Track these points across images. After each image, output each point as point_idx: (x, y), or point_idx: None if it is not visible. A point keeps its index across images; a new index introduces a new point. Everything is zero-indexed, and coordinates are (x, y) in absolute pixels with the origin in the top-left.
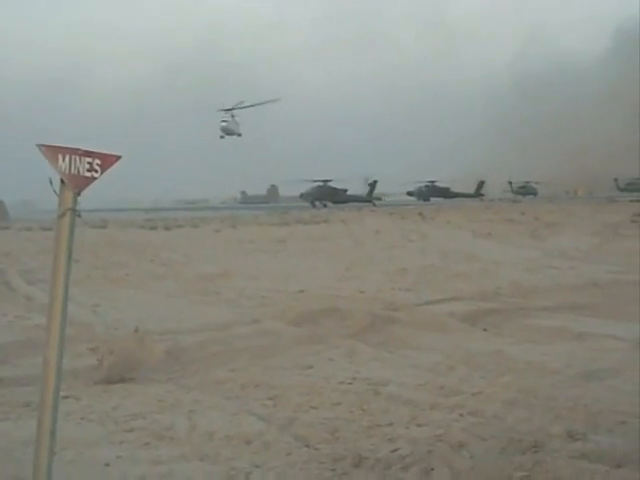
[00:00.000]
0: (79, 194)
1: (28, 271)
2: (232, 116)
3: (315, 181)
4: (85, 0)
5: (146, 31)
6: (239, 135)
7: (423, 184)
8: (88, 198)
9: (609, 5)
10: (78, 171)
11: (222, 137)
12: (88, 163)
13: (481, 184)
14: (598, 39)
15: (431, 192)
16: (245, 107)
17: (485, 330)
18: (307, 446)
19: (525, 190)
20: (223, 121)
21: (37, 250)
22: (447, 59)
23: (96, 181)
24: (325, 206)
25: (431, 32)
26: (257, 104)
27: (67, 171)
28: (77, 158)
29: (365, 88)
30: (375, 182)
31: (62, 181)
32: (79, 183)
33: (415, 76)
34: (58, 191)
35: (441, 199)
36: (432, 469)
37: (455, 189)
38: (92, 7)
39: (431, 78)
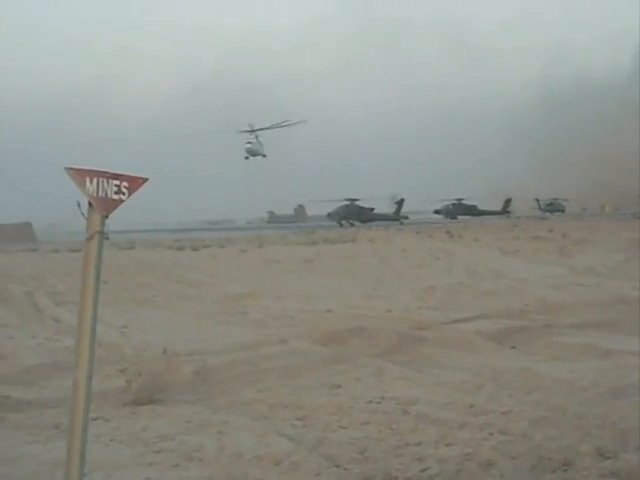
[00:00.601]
0: (107, 217)
1: (56, 293)
2: (256, 137)
3: (342, 200)
4: (107, 25)
5: (168, 55)
6: (264, 156)
7: (450, 202)
8: (115, 220)
9: (633, 20)
10: (106, 194)
11: (247, 158)
12: (116, 186)
13: (508, 201)
14: (622, 54)
15: (458, 210)
16: (270, 128)
17: (513, 348)
18: (336, 466)
19: (552, 207)
20: (248, 142)
21: (65, 272)
22: (470, 76)
23: (122, 203)
24: (352, 225)
25: (454, 50)
26: (282, 125)
27: (95, 194)
28: (105, 181)
29: (389, 107)
30: (402, 200)
31: (90, 204)
32: (107, 206)
33: (438, 94)
34: (86, 214)
35: (468, 217)
36: None
37: (482, 207)
38: (114, 32)
39: (455, 96)
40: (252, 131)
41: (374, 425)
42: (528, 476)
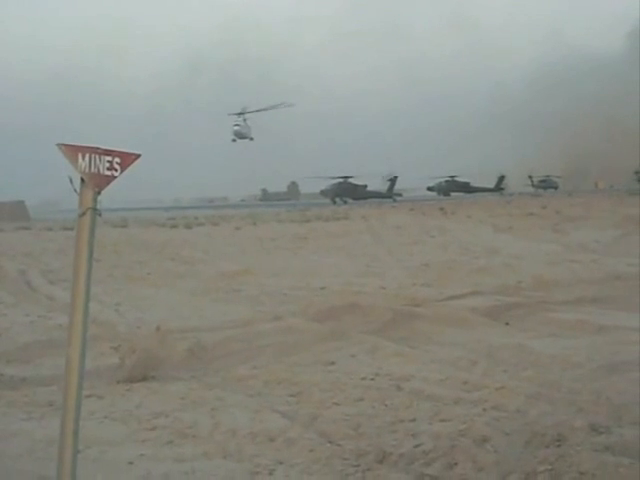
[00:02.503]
0: (99, 193)
1: (50, 271)
2: (244, 120)
3: (335, 178)
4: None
5: (164, 28)
6: (251, 139)
7: (443, 179)
8: (109, 197)
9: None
10: (98, 170)
11: (234, 140)
12: (108, 162)
13: (501, 178)
14: (617, 31)
15: (451, 187)
16: (257, 111)
17: (507, 324)
18: (330, 442)
19: (546, 184)
20: (235, 125)
21: (58, 250)
22: (465, 53)
23: (116, 180)
24: (345, 202)
25: (450, 27)
26: (269, 108)
27: (87, 170)
28: (97, 157)
29: (383, 83)
30: (395, 178)
31: (82, 180)
32: (99, 182)
33: (433, 70)
34: (78, 190)
35: (461, 194)
36: (455, 464)
37: (475, 184)
38: (109, 5)
39: (449, 72)
40: (240, 114)
41: (368, 401)
42: (522, 451)
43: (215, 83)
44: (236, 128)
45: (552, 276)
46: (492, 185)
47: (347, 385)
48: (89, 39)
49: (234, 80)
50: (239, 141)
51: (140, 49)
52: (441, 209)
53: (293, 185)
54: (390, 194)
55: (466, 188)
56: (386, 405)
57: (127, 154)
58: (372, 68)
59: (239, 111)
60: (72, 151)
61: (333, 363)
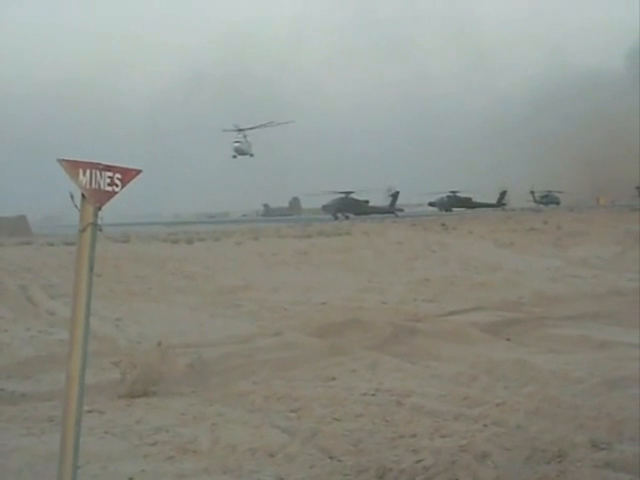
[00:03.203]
0: (100, 208)
1: (50, 286)
2: (244, 136)
3: (337, 193)
4: (103, 12)
5: (165, 44)
6: (251, 155)
7: (445, 194)
8: (109, 213)
9: (631, 13)
10: (99, 185)
11: (234, 157)
12: (109, 177)
13: (503, 194)
14: (619, 48)
15: (453, 202)
16: (257, 127)
17: (508, 340)
18: (331, 458)
19: (547, 199)
20: (236, 142)
21: (59, 265)
22: (466, 69)
23: (117, 196)
24: (347, 218)
25: (451, 44)
26: (269, 125)
27: (88, 185)
28: (98, 172)
29: (385, 98)
30: (397, 193)
31: (83, 196)
32: (100, 197)
33: (434, 86)
34: (79, 206)
35: (463, 209)
36: (456, 479)
37: (477, 199)
38: (111, 19)
39: (451, 88)
40: (240, 130)
41: (368, 417)
42: (523, 467)
43: (216, 99)
44: (236, 145)
45: (553, 291)
46: (494, 201)
47: (347, 401)
48: (89, 55)
49: (235, 96)
50: (239, 157)
51: (140, 65)
52: (442, 224)
53: (295, 200)
54: (392, 209)
55: (468, 203)
56: (387, 421)
57: (128, 170)
58: (373, 85)
59: (238, 127)
60: (73, 167)
61: (334, 378)
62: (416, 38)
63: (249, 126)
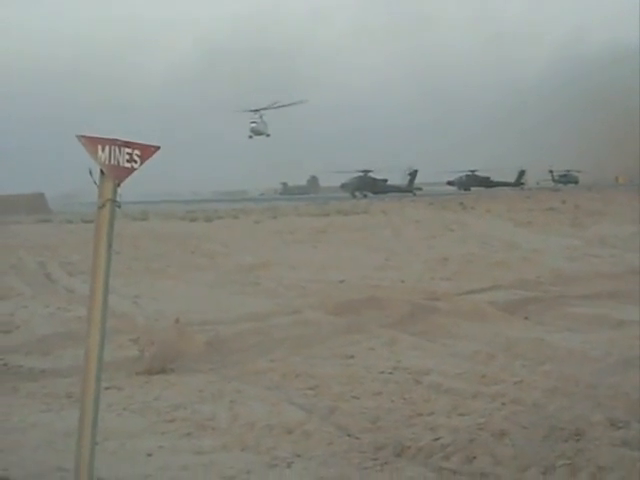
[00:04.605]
0: (119, 185)
1: (69, 263)
2: (260, 117)
3: (355, 172)
4: None
5: (182, 20)
6: (267, 135)
7: (463, 174)
8: (129, 191)
9: None
10: (118, 162)
11: (251, 137)
12: (127, 154)
13: (522, 173)
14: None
15: (471, 181)
16: (273, 108)
17: (526, 318)
18: (348, 435)
19: (566, 179)
20: (252, 122)
21: (78, 242)
22: (487, 46)
23: (135, 172)
24: (365, 196)
25: (470, 20)
26: (285, 105)
27: (107, 162)
28: (117, 149)
29: (405, 77)
30: (415, 172)
31: (102, 172)
32: (119, 174)
33: (454, 64)
34: (98, 182)
35: (482, 188)
36: (474, 457)
37: (495, 178)
38: None
39: (472, 65)
40: (256, 110)
41: (386, 395)
42: (540, 446)
43: (235, 75)
44: (253, 125)
45: (571, 270)
46: (512, 180)
47: (365, 378)
48: (106, 31)
49: (252, 72)
50: (256, 137)
51: (158, 42)
52: (461, 203)
53: (313, 179)
54: (410, 188)
55: (486, 182)
56: (404, 399)
57: (147, 146)
58: (391, 61)
59: (254, 108)
60: (92, 143)
61: (352, 356)
62: (435, 14)
63: (264, 105)
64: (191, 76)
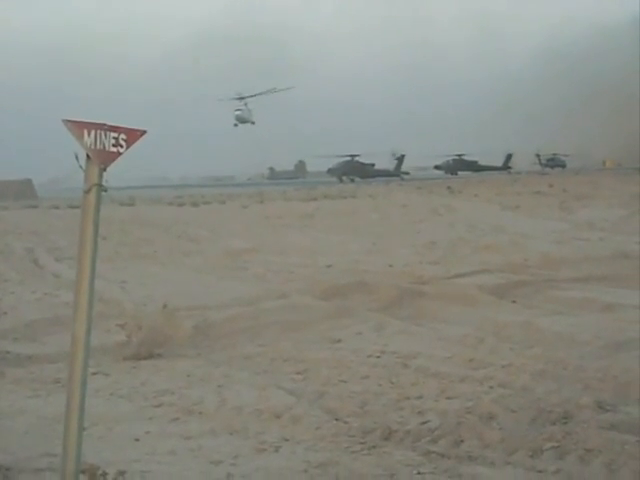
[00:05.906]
0: (105, 169)
1: (56, 249)
2: (245, 104)
3: (343, 156)
4: None
5: (171, 8)
6: (252, 123)
7: (451, 158)
8: (115, 176)
9: None
10: (104, 146)
11: (236, 125)
12: (114, 138)
13: (509, 157)
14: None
15: (459, 166)
16: (257, 95)
17: (514, 302)
18: (336, 419)
19: (553, 162)
20: (237, 110)
21: (65, 228)
22: (473, 32)
23: (122, 157)
24: (353, 181)
25: (462, 10)
26: (269, 92)
27: (93, 146)
28: (103, 133)
29: (393, 62)
30: (403, 156)
31: (88, 156)
32: (105, 158)
33: (442, 50)
34: (84, 167)
35: (469, 172)
36: (462, 441)
37: (483, 162)
38: None
39: (458, 52)
40: (241, 98)
41: (374, 379)
42: (528, 429)
43: (224, 62)
44: (237, 113)
45: (559, 254)
46: (500, 164)
47: (353, 362)
48: (93, 20)
49: (241, 60)
50: (241, 125)
51: (147, 30)
52: (448, 187)
53: (300, 164)
54: (397, 172)
55: (473, 167)
56: (392, 382)
57: (133, 130)
58: (381, 49)
59: (239, 96)
60: (78, 127)
61: (339, 341)
62: (427, 4)
63: (250, 93)
64: (180, 64)
